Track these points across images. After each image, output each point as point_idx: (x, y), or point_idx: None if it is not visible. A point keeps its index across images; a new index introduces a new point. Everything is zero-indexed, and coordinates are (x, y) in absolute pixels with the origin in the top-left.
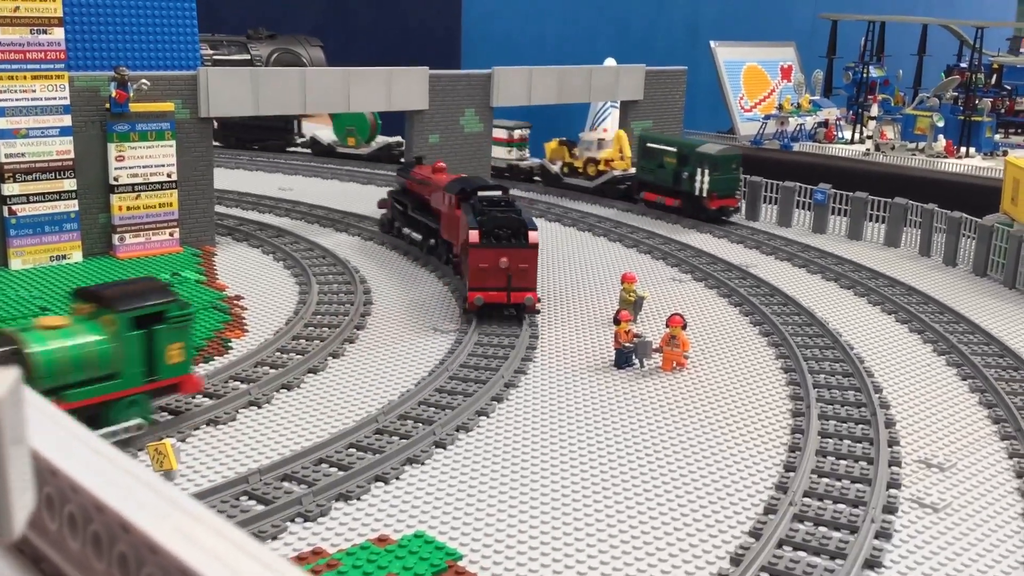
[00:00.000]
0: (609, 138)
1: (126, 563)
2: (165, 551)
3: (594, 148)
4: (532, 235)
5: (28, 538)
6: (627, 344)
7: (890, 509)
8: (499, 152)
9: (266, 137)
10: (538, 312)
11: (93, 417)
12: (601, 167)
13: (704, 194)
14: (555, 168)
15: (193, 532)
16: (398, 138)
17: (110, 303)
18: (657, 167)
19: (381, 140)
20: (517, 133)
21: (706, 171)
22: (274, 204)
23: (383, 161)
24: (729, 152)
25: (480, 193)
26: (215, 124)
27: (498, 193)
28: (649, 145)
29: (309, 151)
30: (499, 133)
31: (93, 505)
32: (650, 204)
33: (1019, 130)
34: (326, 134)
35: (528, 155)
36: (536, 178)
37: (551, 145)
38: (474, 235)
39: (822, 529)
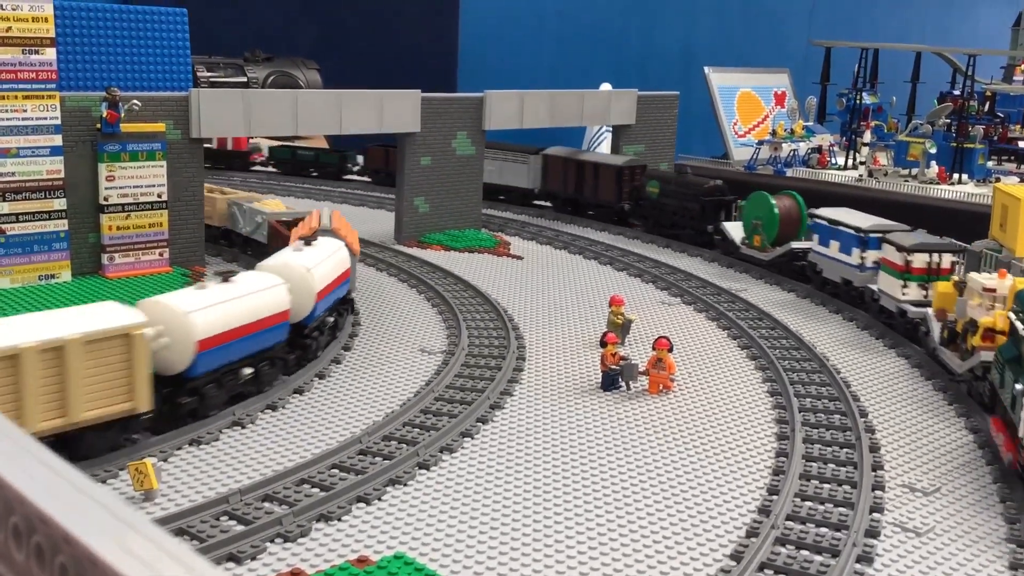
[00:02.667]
0: None
1: None
2: (104, 563)
3: None
4: None
5: None
6: (614, 367)
7: (872, 533)
8: None
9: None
10: None
11: None
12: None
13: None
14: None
15: (135, 547)
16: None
17: None
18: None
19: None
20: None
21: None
22: None
23: (785, 274)
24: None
25: None
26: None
27: None
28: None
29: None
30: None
31: (37, 517)
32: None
33: (1012, 157)
34: (736, 230)
35: None
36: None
37: None
38: None
39: (804, 553)
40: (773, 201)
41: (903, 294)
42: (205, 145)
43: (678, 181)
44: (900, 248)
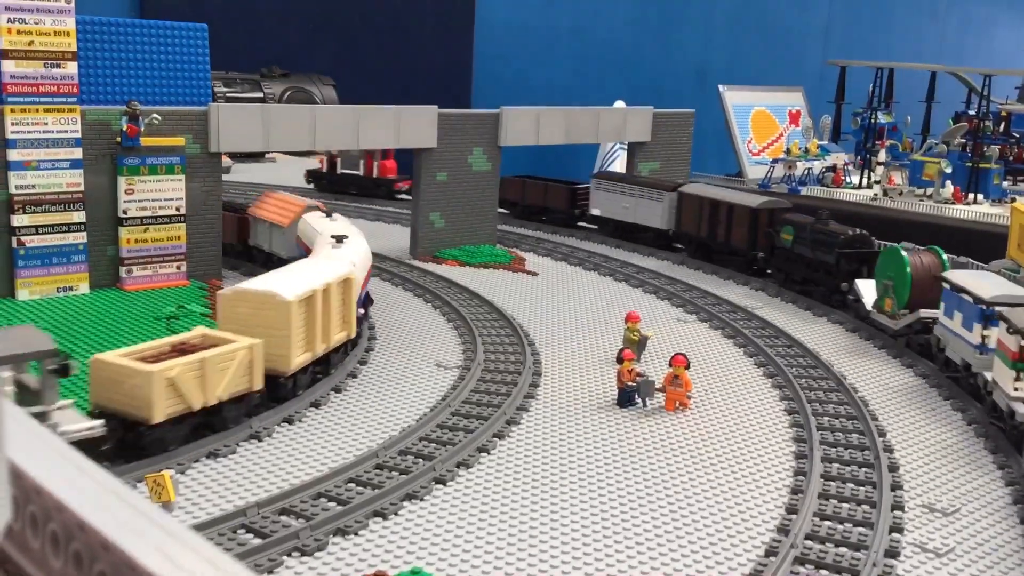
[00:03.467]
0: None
1: None
2: (144, 570)
3: None
4: None
5: (10, 556)
6: (630, 383)
7: (892, 553)
8: None
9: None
10: None
11: None
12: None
13: None
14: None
15: (174, 553)
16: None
17: None
18: None
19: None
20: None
21: None
22: None
23: (911, 347)
24: None
25: None
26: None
27: None
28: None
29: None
30: None
31: (76, 524)
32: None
33: None
34: (869, 291)
35: None
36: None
37: None
38: None
39: (823, 572)
40: (906, 257)
41: (1015, 389)
42: (349, 171)
43: (814, 227)
44: (1013, 329)
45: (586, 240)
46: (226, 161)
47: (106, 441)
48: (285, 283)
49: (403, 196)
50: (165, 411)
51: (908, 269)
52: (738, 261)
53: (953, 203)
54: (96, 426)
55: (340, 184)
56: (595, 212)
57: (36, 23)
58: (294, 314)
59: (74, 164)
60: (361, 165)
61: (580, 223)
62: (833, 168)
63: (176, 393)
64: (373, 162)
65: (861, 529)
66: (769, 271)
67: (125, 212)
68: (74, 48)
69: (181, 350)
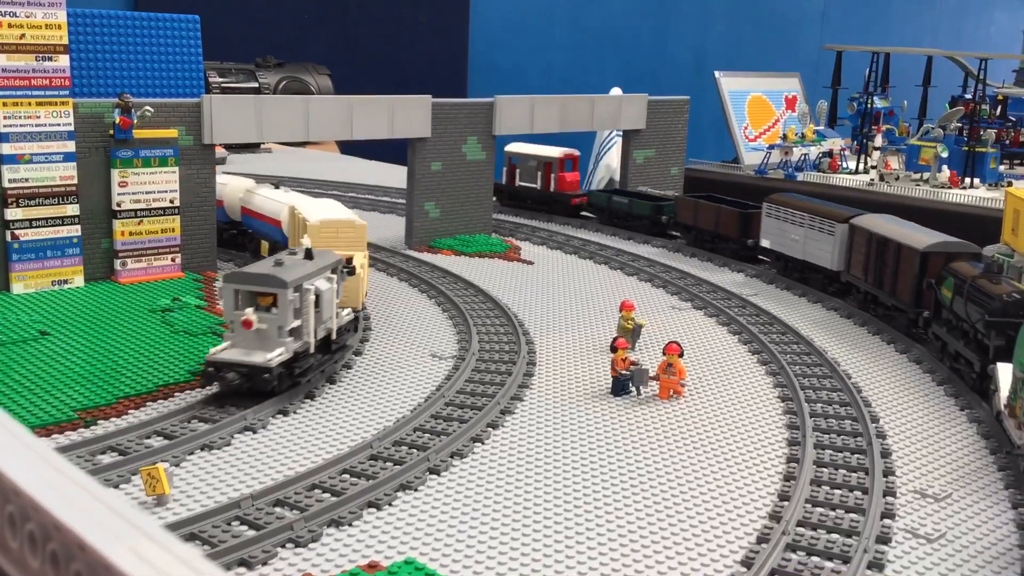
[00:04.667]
0: None
1: None
2: (119, 570)
3: None
4: None
5: None
6: (624, 372)
7: (883, 539)
8: None
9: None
10: None
11: None
12: None
13: None
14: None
15: (148, 553)
16: None
17: None
18: None
19: None
20: None
21: None
22: None
23: None
24: None
25: None
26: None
27: None
28: None
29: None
30: None
31: (52, 524)
32: None
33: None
34: (1007, 379)
35: None
36: None
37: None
38: None
39: (815, 559)
40: None
41: None
42: (526, 184)
43: (975, 282)
44: None
45: (581, 229)
46: (221, 152)
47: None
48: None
49: (586, 214)
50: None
51: None
52: (900, 319)
53: (950, 187)
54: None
55: (518, 198)
56: (765, 244)
57: (27, 16)
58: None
59: (67, 157)
60: (538, 177)
61: (756, 257)
62: (830, 153)
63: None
64: (551, 174)
65: (853, 515)
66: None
67: (119, 205)
68: (65, 41)
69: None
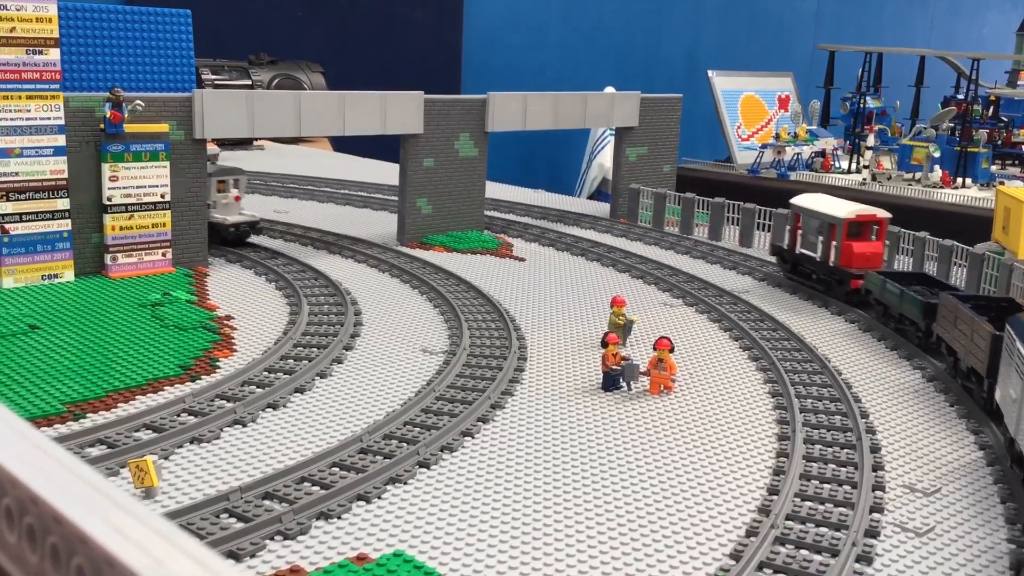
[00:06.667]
0: None
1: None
2: (123, 564)
3: None
4: None
5: None
6: (614, 367)
7: (872, 533)
8: None
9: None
10: None
11: None
12: None
13: None
14: None
15: (153, 547)
16: None
17: None
18: None
19: None
20: None
21: None
22: (268, 226)
23: None
24: None
25: None
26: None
27: None
28: None
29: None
30: None
31: (52, 517)
32: None
33: (1016, 161)
34: None
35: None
36: None
37: None
38: None
39: (803, 552)
40: None
41: None
42: (806, 251)
43: None
44: None
45: (573, 226)
46: (213, 149)
47: None
48: None
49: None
50: None
51: None
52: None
53: (942, 187)
54: None
55: (797, 266)
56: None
57: (18, 9)
58: None
59: (58, 151)
60: (819, 245)
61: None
62: (822, 153)
63: None
64: (833, 241)
65: (842, 509)
66: None
67: (110, 199)
68: (56, 35)
69: None
